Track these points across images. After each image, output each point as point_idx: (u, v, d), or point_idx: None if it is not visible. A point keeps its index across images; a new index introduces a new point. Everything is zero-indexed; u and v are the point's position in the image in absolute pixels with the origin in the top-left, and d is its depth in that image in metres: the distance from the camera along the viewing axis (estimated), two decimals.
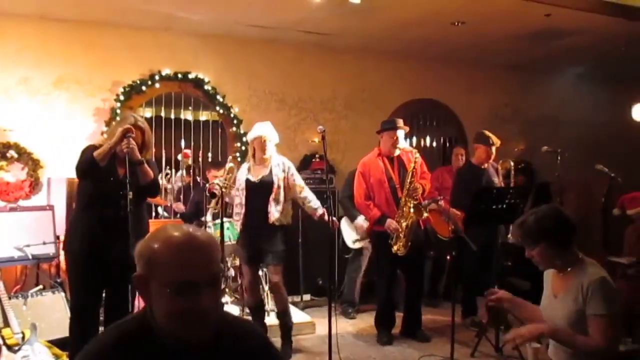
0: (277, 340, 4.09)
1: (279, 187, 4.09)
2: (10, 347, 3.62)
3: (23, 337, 3.70)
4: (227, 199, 4.34)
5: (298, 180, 4.21)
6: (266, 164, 4.15)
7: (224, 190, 4.11)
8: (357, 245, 5.29)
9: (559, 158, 5.18)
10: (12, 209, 4.77)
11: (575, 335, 2.21)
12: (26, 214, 4.65)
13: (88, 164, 3.29)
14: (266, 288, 4.86)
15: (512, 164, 5.27)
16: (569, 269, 2.35)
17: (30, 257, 4.43)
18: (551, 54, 6.63)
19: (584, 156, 6.43)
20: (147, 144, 3.48)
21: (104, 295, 3.48)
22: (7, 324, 3.77)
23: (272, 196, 4.07)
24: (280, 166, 4.16)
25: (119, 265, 3.13)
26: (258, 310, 4.31)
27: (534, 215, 2.34)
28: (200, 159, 6.06)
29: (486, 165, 4.96)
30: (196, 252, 1.26)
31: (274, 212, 4.06)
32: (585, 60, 6.96)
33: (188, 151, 5.87)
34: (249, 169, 4.20)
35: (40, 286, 4.46)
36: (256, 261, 4.21)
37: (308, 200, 4.19)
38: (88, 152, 3.34)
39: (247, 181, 4.15)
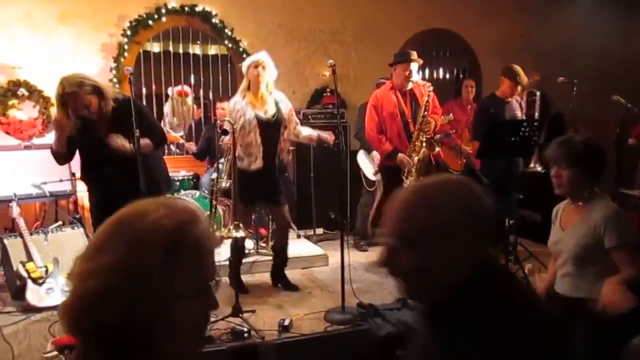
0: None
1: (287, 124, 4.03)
2: (35, 280, 3.76)
3: (46, 271, 3.84)
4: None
5: (294, 116, 4.14)
6: (267, 98, 3.93)
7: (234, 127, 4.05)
8: (379, 177, 5.25)
9: (574, 89, 5.08)
10: (26, 147, 4.83)
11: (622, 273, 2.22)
12: (41, 152, 4.70)
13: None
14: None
15: (538, 94, 5.14)
16: (580, 203, 2.38)
17: (47, 194, 4.53)
18: None
19: (600, 86, 6.29)
20: (102, 99, 3.24)
21: None
22: (30, 258, 3.89)
23: (286, 134, 4.02)
24: (284, 102, 4.03)
25: None
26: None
27: (581, 138, 2.37)
28: (210, 94, 6.02)
29: (510, 99, 4.84)
30: None
31: (288, 149, 4.06)
32: None
33: (183, 88, 5.76)
34: (251, 105, 3.90)
35: (60, 222, 4.57)
36: (270, 202, 4.15)
37: (301, 132, 4.11)
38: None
39: (259, 118, 3.88)
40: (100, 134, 3.29)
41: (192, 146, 5.50)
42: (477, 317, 1.15)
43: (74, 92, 3.17)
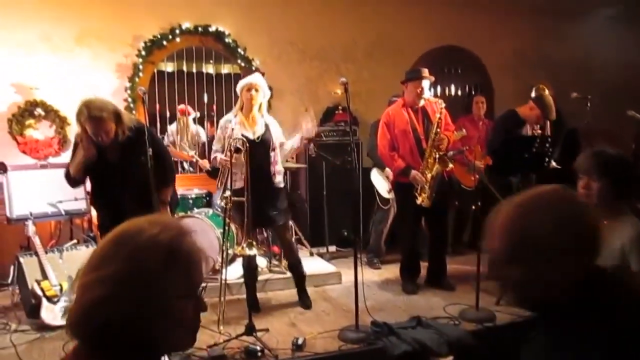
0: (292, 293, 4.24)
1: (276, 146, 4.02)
2: (49, 299, 3.78)
3: (61, 289, 3.86)
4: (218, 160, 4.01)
5: (282, 137, 4.13)
6: (257, 120, 3.94)
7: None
8: (393, 195, 5.22)
9: (588, 104, 5.04)
10: (42, 166, 4.89)
11: None
12: (57, 171, 4.74)
13: (71, 182, 3.41)
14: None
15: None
16: (605, 221, 2.29)
17: (63, 212, 4.57)
18: None
19: (614, 102, 6.25)
20: (119, 126, 3.26)
21: None
22: (45, 276, 3.92)
23: (274, 155, 3.98)
24: (274, 126, 4.02)
25: None
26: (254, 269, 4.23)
27: (615, 151, 2.32)
28: (223, 112, 6.06)
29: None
30: None
31: (278, 171, 4.02)
32: (617, 0, 6.66)
33: (187, 107, 5.83)
34: (241, 124, 3.91)
35: (75, 240, 4.61)
36: (261, 224, 4.13)
37: (286, 144, 4.10)
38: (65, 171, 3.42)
39: (245, 137, 3.81)
40: (111, 159, 3.32)
41: (205, 163, 5.52)
42: (588, 327, 1.19)
43: (98, 117, 3.17)
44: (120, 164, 3.27)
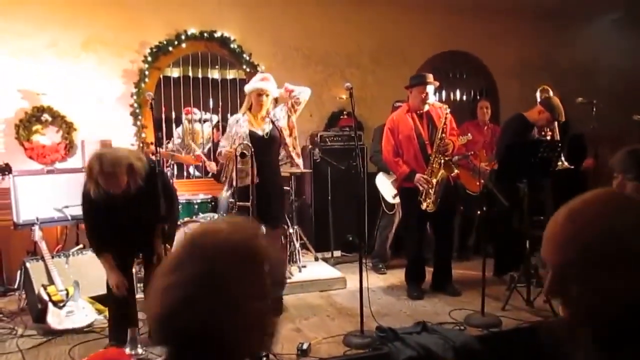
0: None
1: (288, 135, 4.09)
2: (55, 304, 3.80)
3: (67, 294, 3.88)
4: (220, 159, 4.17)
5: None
6: (265, 118, 4.08)
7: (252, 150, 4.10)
8: (398, 200, 5.22)
9: (594, 109, 5.02)
10: (49, 172, 4.92)
11: None
12: (63, 176, 4.79)
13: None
14: None
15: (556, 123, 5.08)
16: None
17: (69, 217, 4.58)
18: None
19: (620, 106, 6.23)
20: (132, 178, 3.16)
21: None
22: (51, 281, 3.94)
23: (289, 148, 4.10)
24: (278, 115, 4.11)
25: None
26: None
27: None
28: (229, 118, 6.08)
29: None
30: None
31: (297, 153, 4.15)
32: (622, 4, 6.65)
33: (192, 109, 5.86)
34: (249, 122, 4.05)
35: (81, 245, 4.63)
36: (263, 222, 4.12)
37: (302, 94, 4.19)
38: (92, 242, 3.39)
39: (252, 134, 3.96)
40: (120, 205, 3.23)
41: (212, 165, 5.53)
42: None
43: (111, 173, 3.07)
44: (128, 210, 3.23)
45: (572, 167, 4.66)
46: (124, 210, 3.24)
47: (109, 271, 3.34)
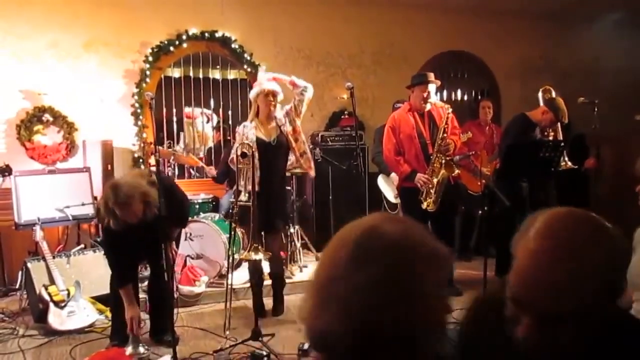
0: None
1: (295, 140, 4.04)
2: (57, 303, 3.80)
3: (68, 294, 3.88)
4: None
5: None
6: (273, 122, 4.01)
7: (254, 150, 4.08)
8: (399, 200, 5.21)
9: (595, 109, 5.01)
10: (50, 172, 4.92)
11: None
12: (64, 176, 4.80)
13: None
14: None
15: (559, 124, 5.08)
16: None
17: (70, 217, 4.59)
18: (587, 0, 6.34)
19: (622, 107, 6.22)
20: (147, 207, 3.16)
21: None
22: (52, 281, 3.94)
23: (298, 153, 4.06)
24: (284, 120, 4.05)
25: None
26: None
27: None
28: (230, 118, 6.09)
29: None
30: None
31: (310, 164, 4.11)
32: (623, 4, 6.64)
33: (193, 111, 5.84)
34: (257, 129, 3.98)
35: (82, 245, 4.63)
36: (265, 226, 3.97)
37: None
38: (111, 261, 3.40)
39: (260, 140, 3.91)
40: (137, 231, 3.23)
41: (212, 170, 5.53)
42: None
43: (126, 204, 3.08)
44: (146, 236, 3.24)
45: (576, 166, 4.65)
46: (142, 238, 3.27)
47: (128, 305, 3.32)
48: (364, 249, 0.92)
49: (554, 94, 4.95)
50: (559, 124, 4.70)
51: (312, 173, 4.26)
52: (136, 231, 3.19)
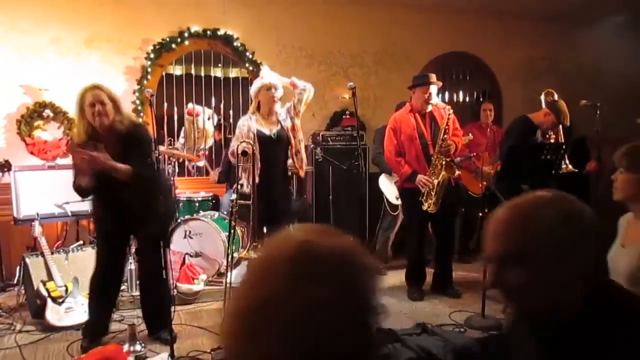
0: None
1: (292, 137, 4.05)
2: (54, 300, 3.79)
3: (66, 290, 3.87)
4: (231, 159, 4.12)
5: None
6: (274, 117, 4.04)
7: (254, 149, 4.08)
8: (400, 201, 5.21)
9: (597, 112, 5.00)
10: (50, 167, 4.91)
11: None
12: (64, 172, 4.74)
13: (80, 193, 3.32)
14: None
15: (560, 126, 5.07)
16: (633, 219, 2.22)
17: (69, 213, 4.57)
18: (590, 2, 6.32)
19: (624, 110, 6.20)
20: (117, 113, 3.24)
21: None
22: (50, 277, 3.93)
23: (294, 150, 4.06)
24: (284, 115, 4.08)
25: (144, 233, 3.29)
26: None
27: None
28: (231, 116, 6.08)
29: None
30: None
31: (302, 164, 4.09)
32: (627, 7, 6.62)
33: (194, 107, 5.81)
34: (258, 122, 4.00)
35: (81, 242, 4.62)
36: (267, 221, 3.99)
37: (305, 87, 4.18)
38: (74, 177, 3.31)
39: (260, 134, 3.93)
40: (110, 155, 3.23)
41: (213, 175, 5.51)
42: (601, 340, 1.12)
43: (98, 87, 3.22)
44: (119, 161, 3.22)
45: (577, 170, 4.64)
46: (127, 204, 3.24)
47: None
48: (303, 265, 0.87)
49: (556, 97, 4.94)
50: (560, 126, 4.69)
51: (302, 174, 4.25)
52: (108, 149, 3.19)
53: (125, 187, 3.21)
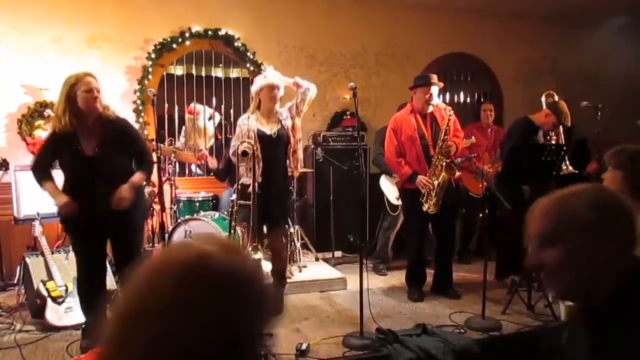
0: None
1: (293, 137, 4.03)
2: (54, 299, 3.79)
3: (66, 290, 3.87)
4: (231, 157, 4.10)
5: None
6: (274, 116, 4.01)
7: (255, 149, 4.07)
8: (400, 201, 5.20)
9: (598, 114, 5.00)
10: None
11: None
12: None
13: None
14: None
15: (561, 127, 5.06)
16: None
17: None
18: (591, 3, 6.31)
19: (625, 111, 6.20)
20: (106, 111, 3.31)
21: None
22: (51, 277, 3.93)
23: (291, 150, 4.04)
24: (285, 114, 4.05)
25: (117, 231, 3.28)
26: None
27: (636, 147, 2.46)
28: (231, 116, 6.08)
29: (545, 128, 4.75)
30: None
31: (297, 165, 4.07)
32: (628, 8, 6.62)
33: (195, 107, 5.82)
34: (258, 121, 3.98)
35: None
36: (268, 222, 4.00)
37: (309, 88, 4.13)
38: (36, 164, 3.34)
39: (260, 133, 3.91)
40: (87, 151, 3.23)
41: (213, 161, 5.50)
42: (633, 328, 1.18)
43: (91, 75, 3.25)
44: (97, 155, 3.21)
45: (577, 171, 4.64)
46: (90, 159, 3.22)
47: (55, 194, 3.26)
48: (194, 278, 0.79)
49: (557, 98, 4.93)
50: (561, 127, 4.69)
51: (296, 174, 4.21)
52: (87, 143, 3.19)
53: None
